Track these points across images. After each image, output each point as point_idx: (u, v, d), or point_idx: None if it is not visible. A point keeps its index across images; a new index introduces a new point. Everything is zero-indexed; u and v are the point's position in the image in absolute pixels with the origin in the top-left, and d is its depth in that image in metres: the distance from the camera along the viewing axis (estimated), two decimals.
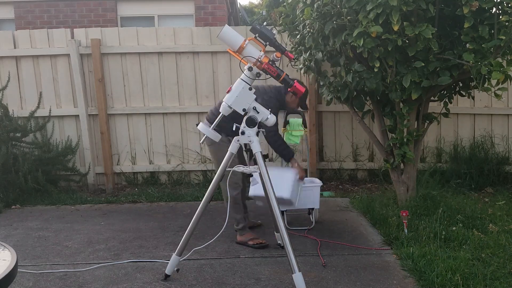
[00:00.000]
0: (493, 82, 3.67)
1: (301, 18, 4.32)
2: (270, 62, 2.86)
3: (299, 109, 4.05)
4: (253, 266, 3.26)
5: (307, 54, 4.53)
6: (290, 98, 3.80)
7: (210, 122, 3.37)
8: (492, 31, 3.53)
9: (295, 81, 3.00)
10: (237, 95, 2.87)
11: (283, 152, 3.80)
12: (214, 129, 2.94)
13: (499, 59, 3.56)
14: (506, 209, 4.42)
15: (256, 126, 2.91)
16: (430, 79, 3.85)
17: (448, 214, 4.03)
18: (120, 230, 4.20)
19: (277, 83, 3.17)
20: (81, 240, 3.93)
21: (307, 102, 4.33)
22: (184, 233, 3.03)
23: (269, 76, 2.91)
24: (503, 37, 3.48)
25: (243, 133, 2.90)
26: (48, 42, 5.78)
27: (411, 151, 4.20)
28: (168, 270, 3.04)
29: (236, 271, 3.19)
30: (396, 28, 3.50)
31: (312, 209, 4.12)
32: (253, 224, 4.11)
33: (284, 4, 4.75)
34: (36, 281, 3.07)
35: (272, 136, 3.65)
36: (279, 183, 3.32)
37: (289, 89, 2.99)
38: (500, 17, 3.56)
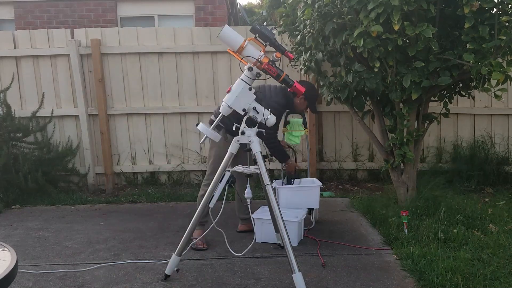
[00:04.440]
0: (493, 82, 3.67)
1: (302, 18, 4.32)
2: (270, 62, 2.86)
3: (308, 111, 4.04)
4: (253, 266, 3.26)
5: (307, 54, 4.53)
6: (299, 101, 3.81)
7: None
8: (493, 31, 3.53)
9: (295, 81, 3.01)
10: (237, 95, 2.87)
11: (279, 156, 3.87)
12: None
13: (499, 59, 3.56)
14: (506, 209, 4.42)
15: (256, 126, 2.91)
16: (430, 79, 3.85)
17: (448, 214, 4.04)
18: (120, 230, 4.20)
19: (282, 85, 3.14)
20: (81, 240, 3.93)
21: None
22: (184, 233, 3.03)
23: (269, 76, 2.92)
24: (503, 37, 3.48)
25: (243, 133, 2.91)
26: (48, 42, 5.77)
27: (411, 151, 4.20)
28: (168, 270, 3.04)
29: (236, 271, 3.19)
30: (396, 27, 3.50)
31: (312, 209, 4.12)
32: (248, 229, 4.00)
33: (285, 4, 4.76)
34: (36, 281, 3.07)
35: (269, 138, 3.60)
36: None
37: (289, 89, 2.99)
38: (501, 17, 3.55)
